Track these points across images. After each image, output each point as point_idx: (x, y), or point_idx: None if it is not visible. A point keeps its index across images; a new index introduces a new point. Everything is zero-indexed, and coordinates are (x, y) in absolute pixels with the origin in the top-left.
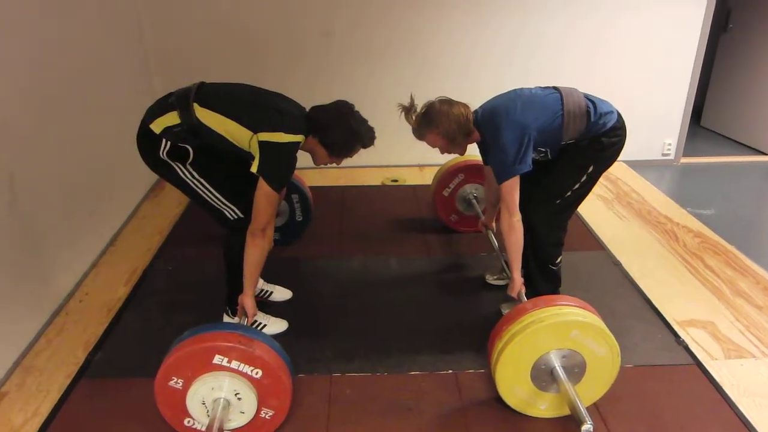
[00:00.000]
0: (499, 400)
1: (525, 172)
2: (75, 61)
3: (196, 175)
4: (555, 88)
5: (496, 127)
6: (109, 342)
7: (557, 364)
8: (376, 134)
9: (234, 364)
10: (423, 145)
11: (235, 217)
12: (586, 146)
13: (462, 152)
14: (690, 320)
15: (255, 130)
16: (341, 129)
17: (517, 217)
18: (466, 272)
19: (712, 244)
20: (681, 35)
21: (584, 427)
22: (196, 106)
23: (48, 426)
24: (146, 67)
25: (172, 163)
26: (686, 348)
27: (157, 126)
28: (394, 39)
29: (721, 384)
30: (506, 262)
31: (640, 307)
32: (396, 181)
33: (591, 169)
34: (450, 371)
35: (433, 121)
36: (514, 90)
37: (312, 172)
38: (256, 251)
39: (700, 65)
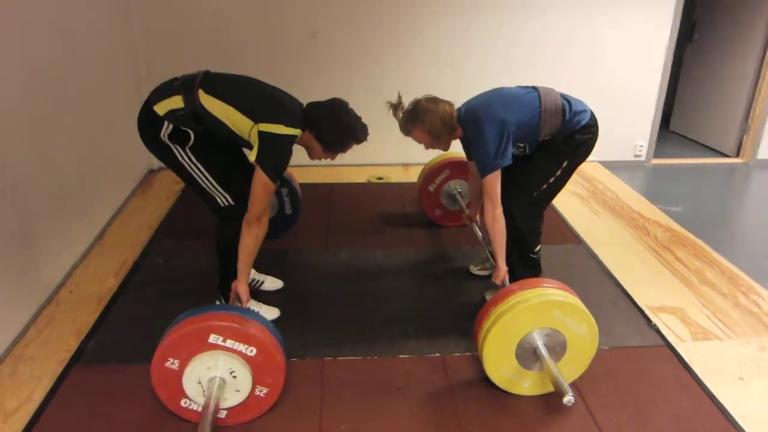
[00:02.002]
0: (483, 381)
1: (505, 166)
2: (65, 57)
3: (193, 159)
4: (534, 87)
5: (478, 123)
6: (101, 330)
7: (540, 343)
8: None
9: (229, 343)
10: (408, 145)
11: (226, 203)
12: (561, 142)
13: (446, 148)
14: (661, 306)
15: (256, 120)
16: (336, 125)
17: (500, 209)
18: (450, 263)
19: (680, 238)
20: (650, 45)
21: (566, 398)
22: (201, 92)
23: (42, 411)
24: (135, 65)
25: (172, 146)
26: (657, 331)
27: (161, 108)
28: (380, 39)
29: (690, 363)
30: (491, 252)
31: (614, 295)
32: (381, 178)
33: (565, 163)
34: (437, 354)
35: (419, 118)
36: (496, 89)
37: (300, 170)
38: (251, 239)
39: (668, 73)
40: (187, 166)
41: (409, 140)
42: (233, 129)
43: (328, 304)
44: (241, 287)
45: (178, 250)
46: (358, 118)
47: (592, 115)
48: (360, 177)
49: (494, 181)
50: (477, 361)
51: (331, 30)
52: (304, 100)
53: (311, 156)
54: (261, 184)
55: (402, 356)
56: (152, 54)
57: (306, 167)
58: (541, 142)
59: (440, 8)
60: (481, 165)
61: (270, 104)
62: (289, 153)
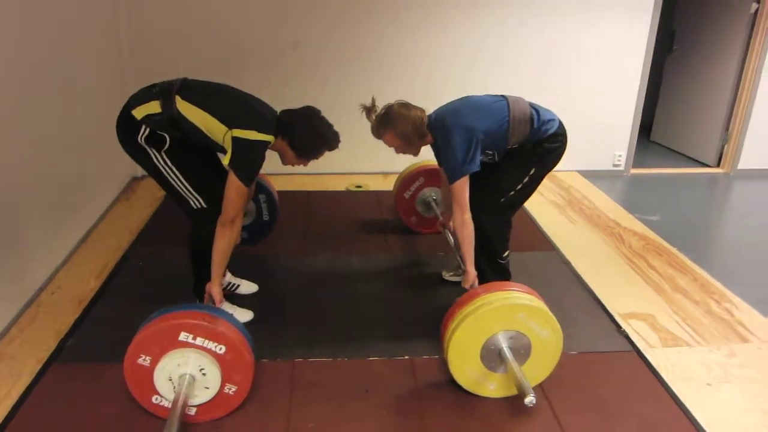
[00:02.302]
0: (451, 383)
1: (473, 173)
2: (51, 63)
3: (168, 163)
4: (503, 96)
5: (447, 130)
6: (80, 331)
7: (504, 345)
8: (343, 143)
9: (199, 341)
10: (387, 154)
11: (199, 206)
12: (529, 150)
13: (415, 153)
14: (631, 313)
15: (230, 126)
16: (309, 132)
17: (468, 215)
18: (424, 269)
19: (655, 246)
20: (627, 55)
21: (527, 399)
22: (178, 98)
23: (19, 407)
24: (121, 75)
25: (148, 149)
26: (626, 337)
27: (139, 113)
28: (361, 51)
29: (657, 368)
30: (460, 257)
31: (585, 301)
32: (360, 187)
33: (533, 171)
34: (406, 357)
35: (391, 122)
36: (465, 97)
37: (279, 178)
38: (224, 241)
39: (646, 83)
40: (162, 169)
41: (389, 149)
42: (208, 134)
43: (302, 307)
44: (214, 288)
45: (157, 255)
46: (330, 126)
47: (560, 124)
48: (339, 185)
49: (462, 187)
50: (445, 365)
51: (316, 42)
52: (283, 106)
53: (284, 162)
54: (234, 188)
55: (371, 358)
56: (137, 63)
57: (285, 175)
58: (509, 150)
59: (422, 19)
60: (450, 171)
61: (244, 111)
62: (262, 158)
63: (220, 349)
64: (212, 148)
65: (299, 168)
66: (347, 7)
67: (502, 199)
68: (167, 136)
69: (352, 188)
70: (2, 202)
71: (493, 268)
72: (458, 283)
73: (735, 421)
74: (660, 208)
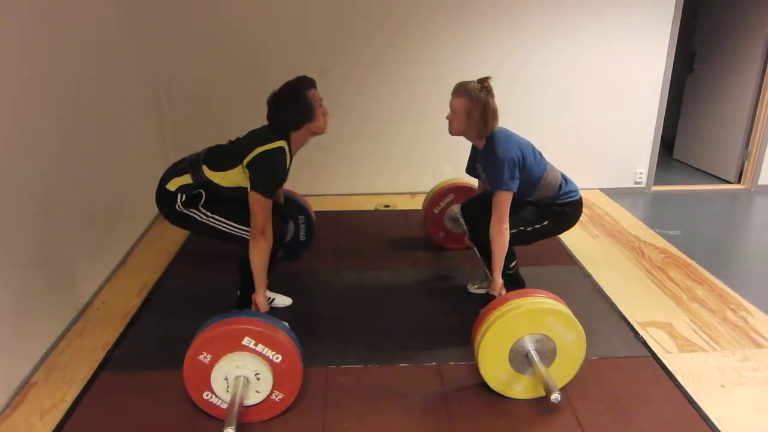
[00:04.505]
0: (476, 387)
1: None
2: (100, 98)
3: (210, 214)
4: (545, 159)
5: (509, 142)
6: (126, 342)
7: (531, 348)
8: (372, 164)
9: (259, 347)
10: (413, 174)
11: None
12: (547, 205)
13: (456, 131)
14: (650, 321)
15: (241, 162)
16: (285, 106)
17: (506, 226)
18: (450, 282)
19: (675, 260)
20: (647, 75)
21: (553, 396)
22: (205, 167)
23: (74, 411)
24: (159, 108)
25: (188, 212)
26: (644, 343)
27: (173, 185)
28: (383, 75)
29: (674, 373)
30: (488, 268)
31: (605, 311)
32: (388, 206)
33: (546, 222)
34: (434, 363)
35: (479, 98)
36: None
37: (310, 199)
38: (258, 251)
39: (665, 102)
40: (209, 222)
41: (416, 169)
42: (236, 186)
43: (334, 318)
44: (259, 298)
45: (194, 274)
46: (290, 86)
47: (581, 197)
48: (368, 205)
49: (506, 200)
50: (470, 370)
51: (346, 66)
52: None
53: (318, 133)
54: (255, 202)
55: (401, 365)
56: (174, 103)
57: (317, 196)
58: (526, 201)
59: (443, 42)
60: (496, 180)
61: (243, 145)
62: (278, 166)
63: (277, 358)
64: (244, 198)
65: (329, 189)
66: (371, 34)
67: (512, 230)
68: (202, 192)
69: (381, 208)
70: (53, 228)
71: (507, 280)
72: (483, 296)
73: (747, 420)
74: (680, 224)
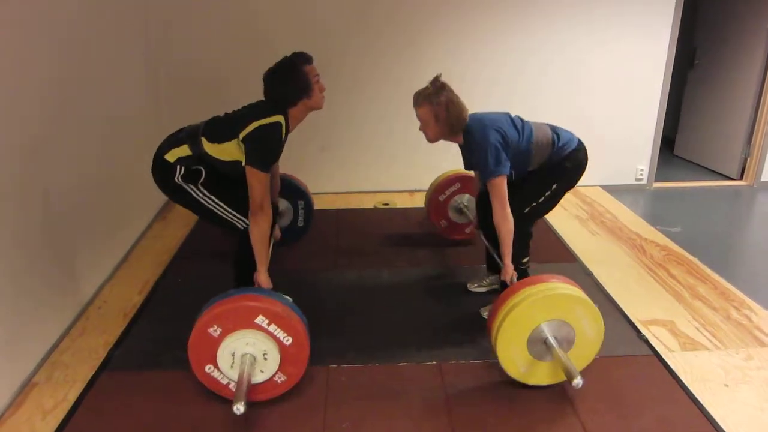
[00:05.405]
0: (478, 386)
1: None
2: (98, 101)
3: (207, 193)
4: (527, 121)
5: (485, 129)
6: (127, 341)
7: (550, 334)
8: (371, 162)
9: (272, 328)
10: (413, 172)
11: (245, 226)
12: (550, 168)
13: (432, 138)
14: (652, 320)
15: (237, 136)
16: (282, 81)
17: (508, 209)
18: (450, 281)
19: (676, 257)
20: (648, 71)
21: (575, 381)
22: (203, 140)
23: (76, 409)
24: (159, 108)
25: (186, 186)
26: (646, 342)
27: (171, 156)
28: (386, 75)
29: (676, 371)
30: (498, 256)
31: (607, 309)
32: (387, 204)
33: (555, 186)
34: (434, 362)
35: (437, 99)
36: (502, 112)
37: None
38: (259, 227)
39: (666, 98)
40: (203, 201)
41: (416, 167)
42: (233, 159)
43: (334, 317)
44: (261, 276)
45: (194, 271)
46: (286, 64)
47: (579, 142)
48: (367, 203)
49: (501, 184)
50: (471, 368)
51: (347, 66)
52: (314, 127)
53: (316, 107)
54: (252, 176)
55: (401, 363)
56: (172, 101)
57: (315, 194)
58: (530, 171)
59: (444, 41)
60: (483, 170)
61: (240, 118)
62: (274, 141)
63: (288, 340)
64: (242, 174)
65: (329, 187)
66: (372, 34)
67: (526, 209)
68: (202, 169)
69: (380, 206)
70: (54, 227)
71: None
72: (482, 294)
73: (752, 420)
74: (682, 221)
